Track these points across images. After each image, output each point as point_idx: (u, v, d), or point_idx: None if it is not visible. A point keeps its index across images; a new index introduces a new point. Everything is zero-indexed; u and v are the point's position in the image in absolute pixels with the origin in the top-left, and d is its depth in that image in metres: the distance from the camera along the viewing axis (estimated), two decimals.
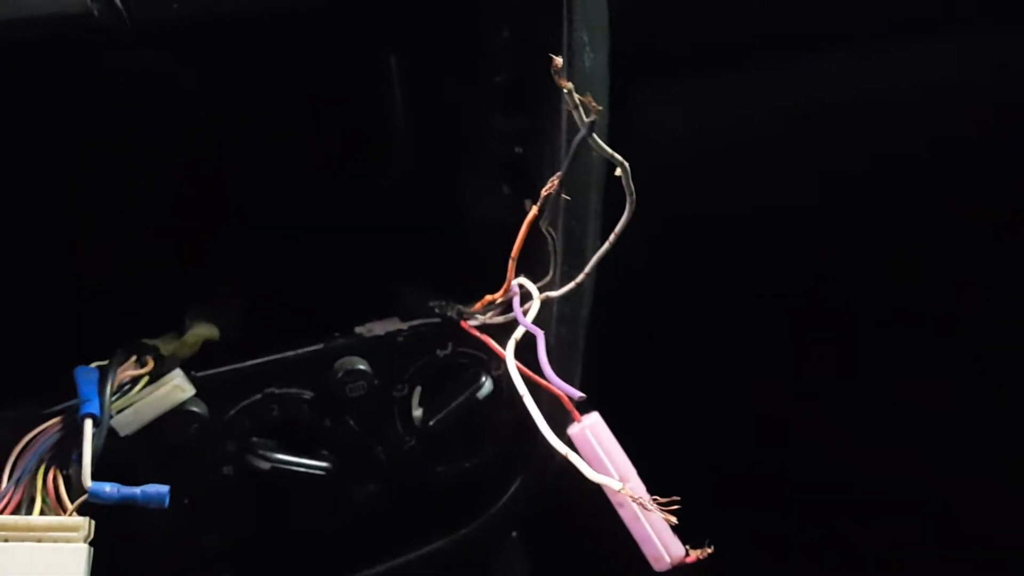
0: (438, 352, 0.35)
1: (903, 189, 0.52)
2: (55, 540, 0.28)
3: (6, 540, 0.28)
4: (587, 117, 0.23)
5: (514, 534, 0.42)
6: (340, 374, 0.34)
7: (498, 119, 0.37)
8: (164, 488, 0.29)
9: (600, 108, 0.23)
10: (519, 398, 0.29)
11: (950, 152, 0.52)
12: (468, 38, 0.36)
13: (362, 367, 0.34)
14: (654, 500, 0.24)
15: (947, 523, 0.58)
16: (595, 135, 0.24)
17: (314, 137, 0.39)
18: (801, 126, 0.49)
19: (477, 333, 0.34)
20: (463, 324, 0.34)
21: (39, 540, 0.28)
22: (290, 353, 0.34)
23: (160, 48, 0.30)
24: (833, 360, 0.57)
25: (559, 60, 0.23)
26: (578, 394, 0.25)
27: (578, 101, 0.23)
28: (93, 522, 0.29)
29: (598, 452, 0.31)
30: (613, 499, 0.32)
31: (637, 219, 0.30)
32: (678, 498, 0.24)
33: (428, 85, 0.38)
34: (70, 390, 0.31)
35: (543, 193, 0.30)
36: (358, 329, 0.35)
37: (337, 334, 0.35)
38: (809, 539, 0.57)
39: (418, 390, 0.36)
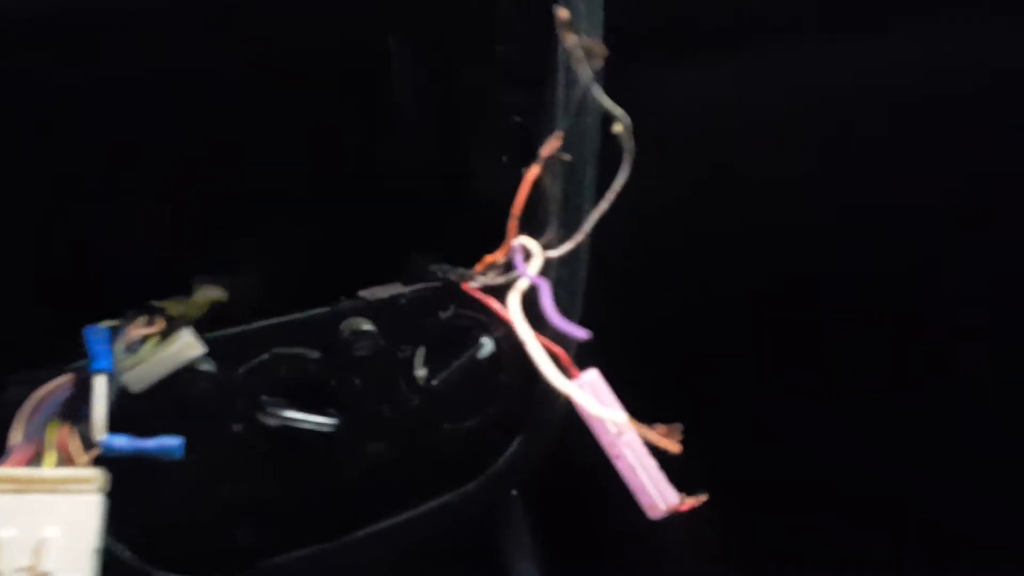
0: (440, 314, 0.36)
1: (894, 184, 0.53)
2: (68, 491, 0.29)
3: (19, 492, 0.29)
4: (592, 65, 0.24)
5: (514, 492, 0.43)
6: (346, 334, 0.34)
7: (498, 89, 0.38)
8: (177, 440, 0.29)
9: (607, 52, 0.24)
10: (520, 354, 0.30)
11: (953, 147, 0.52)
12: (466, 9, 0.37)
13: (368, 328, 0.35)
14: (655, 429, 0.25)
15: (933, 524, 0.58)
16: (599, 86, 0.25)
17: (321, 110, 0.39)
18: (798, 112, 0.49)
19: (478, 294, 0.35)
20: (464, 286, 0.35)
21: (53, 491, 0.29)
22: (297, 315, 0.35)
23: (181, 19, 0.31)
24: (821, 360, 0.57)
25: (565, 12, 0.24)
26: (583, 334, 0.26)
27: (584, 51, 0.24)
28: (107, 473, 0.29)
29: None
30: (611, 452, 0.33)
31: (629, 199, 0.31)
32: (680, 425, 0.25)
33: (429, 57, 0.39)
34: (79, 356, 0.32)
35: (543, 154, 0.31)
36: (362, 293, 0.36)
37: (342, 298, 0.36)
38: (797, 538, 0.58)
39: (421, 351, 0.37)
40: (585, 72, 0.25)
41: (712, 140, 0.48)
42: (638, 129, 0.32)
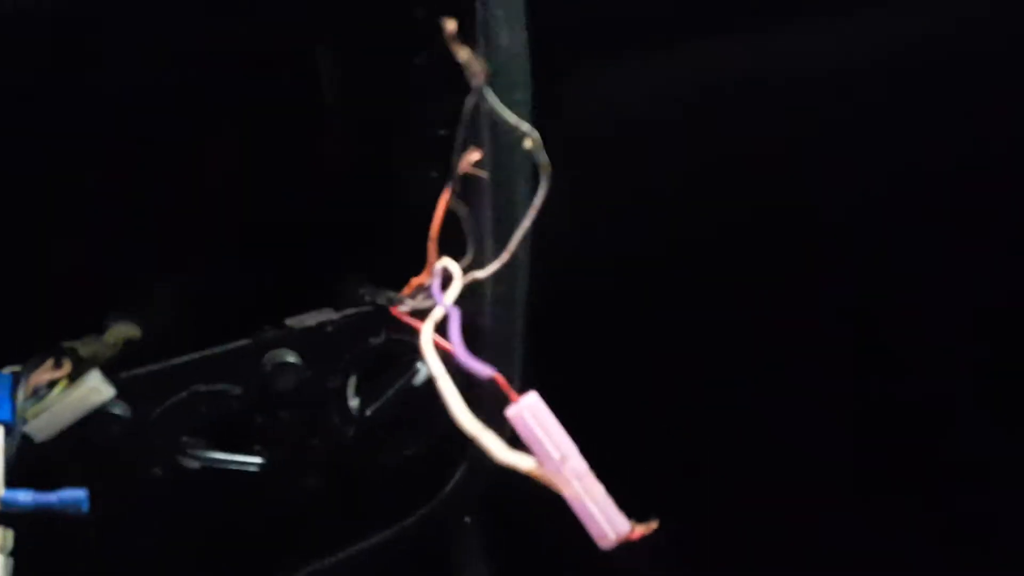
0: (371, 340, 0.35)
1: (869, 180, 0.51)
2: None
3: None
4: (476, 79, 0.23)
5: (467, 520, 0.41)
6: (269, 367, 0.33)
7: (422, 102, 0.36)
8: (82, 492, 0.28)
9: (483, 68, 0.22)
10: (460, 377, 0.29)
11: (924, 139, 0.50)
12: (384, 20, 0.35)
13: (291, 359, 0.33)
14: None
15: (933, 524, 0.57)
16: (488, 97, 0.23)
17: (242, 130, 0.38)
18: (739, 103, 0.48)
19: (407, 318, 0.34)
20: (393, 310, 0.34)
21: None
22: (216, 349, 0.33)
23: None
24: (816, 356, 0.56)
25: (452, 24, 0.22)
26: (488, 372, 0.24)
27: (467, 67, 0.22)
28: (11, 532, 0.28)
29: (536, 433, 0.30)
30: (554, 481, 0.31)
31: (571, 199, 0.29)
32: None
33: (350, 72, 0.38)
34: None
35: (458, 170, 0.29)
36: (288, 321, 0.35)
37: (266, 327, 0.34)
38: (788, 537, 0.56)
39: (353, 380, 0.35)
40: (476, 86, 0.23)
41: (658, 137, 0.47)
42: (577, 130, 0.30)
